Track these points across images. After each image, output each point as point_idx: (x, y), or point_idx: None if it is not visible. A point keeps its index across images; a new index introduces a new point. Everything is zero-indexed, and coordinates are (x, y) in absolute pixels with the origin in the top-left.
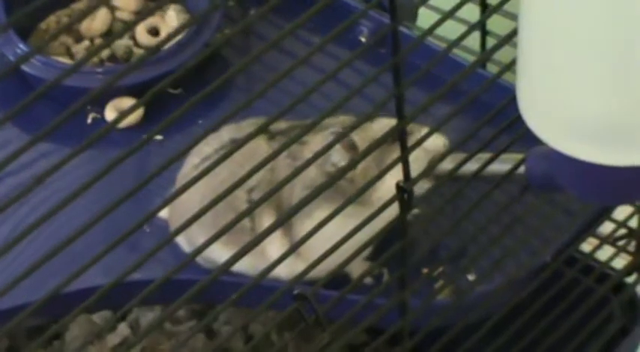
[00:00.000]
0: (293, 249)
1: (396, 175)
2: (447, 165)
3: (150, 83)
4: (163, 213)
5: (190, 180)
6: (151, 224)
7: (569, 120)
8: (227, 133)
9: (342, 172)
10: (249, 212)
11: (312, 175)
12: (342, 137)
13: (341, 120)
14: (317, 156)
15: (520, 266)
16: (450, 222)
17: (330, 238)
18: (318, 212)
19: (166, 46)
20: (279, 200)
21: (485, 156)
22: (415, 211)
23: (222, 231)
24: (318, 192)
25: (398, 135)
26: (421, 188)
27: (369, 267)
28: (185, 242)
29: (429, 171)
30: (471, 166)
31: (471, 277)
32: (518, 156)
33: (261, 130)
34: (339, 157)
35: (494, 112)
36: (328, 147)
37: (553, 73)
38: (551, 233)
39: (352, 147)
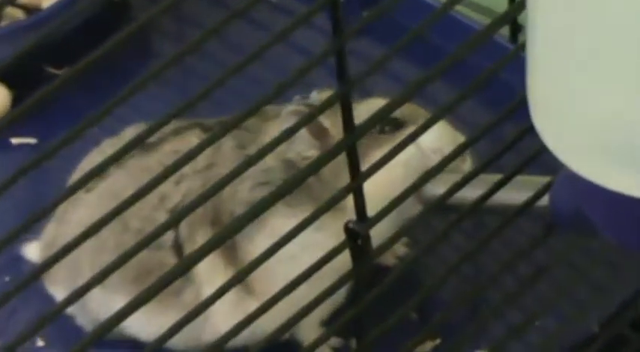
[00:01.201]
0: (236, 279)
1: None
2: (441, 187)
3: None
4: (35, 256)
5: (52, 202)
6: (17, 272)
7: (596, 135)
8: (110, 148)
9: (306, 173)
10: (163, 229)
11: (267, 165)
12: (308, 120)
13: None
14: (277, 141)
15: (555, 335)
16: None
17: (292, 261)
18: (273, 220)
19: (47, 5)
20: (215, 211)
21: (495, 176)
22: (402, 251)
23: (111, 269)
24: (275, 198)
25: (346, 154)
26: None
27: (319, 336)
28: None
29: (395, 206)
30: (475, 191)
31: None
32: (544, 180)
33: (159, 127)
34: (303, 145)
35: (514, 105)
36: (291, 131)
37: (573, 66)
38: (606, 285)
39: (321, 131)
